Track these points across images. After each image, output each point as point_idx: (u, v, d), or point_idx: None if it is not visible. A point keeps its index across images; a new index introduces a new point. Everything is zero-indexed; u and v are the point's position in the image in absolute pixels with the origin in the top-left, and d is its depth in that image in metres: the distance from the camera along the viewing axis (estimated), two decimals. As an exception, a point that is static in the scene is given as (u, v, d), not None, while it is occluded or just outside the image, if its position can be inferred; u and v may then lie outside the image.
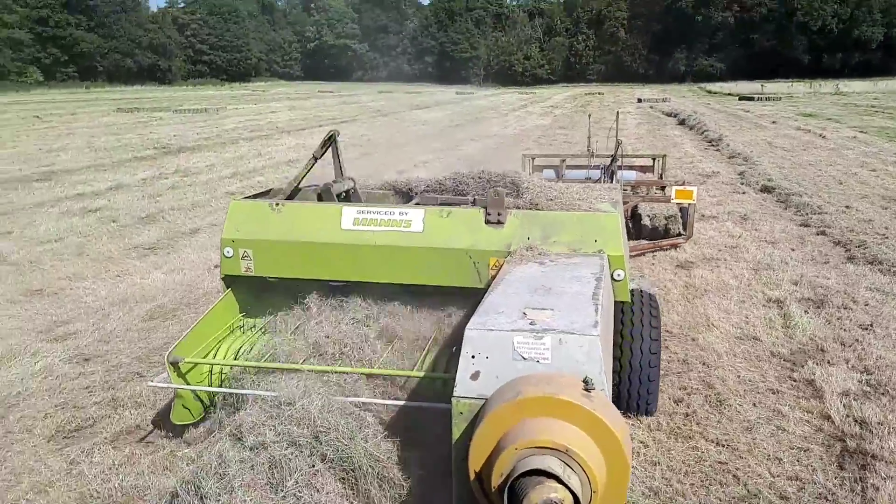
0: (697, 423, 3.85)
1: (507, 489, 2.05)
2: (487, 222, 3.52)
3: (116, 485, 3.23)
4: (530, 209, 3.64)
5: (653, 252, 7.29)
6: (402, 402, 3.19)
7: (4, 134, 21.90)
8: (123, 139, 20.21)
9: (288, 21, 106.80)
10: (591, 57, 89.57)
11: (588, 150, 8.55)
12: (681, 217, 7.44)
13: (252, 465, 2.64)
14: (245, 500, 2.47)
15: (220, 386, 3.63)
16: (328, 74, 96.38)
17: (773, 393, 4.22)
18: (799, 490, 3.25)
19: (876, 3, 75.13)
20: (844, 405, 4.01)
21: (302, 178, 4.41)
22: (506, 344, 2.36)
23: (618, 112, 8.64)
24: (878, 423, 3.77)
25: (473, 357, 2.38)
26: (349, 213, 3.69)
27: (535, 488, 1.99)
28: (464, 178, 4.43)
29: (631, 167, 8.36)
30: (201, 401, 3.64)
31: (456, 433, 2.36)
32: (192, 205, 10.25)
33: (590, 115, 11.36)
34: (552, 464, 2.02)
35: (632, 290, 3.58)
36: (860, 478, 3.32)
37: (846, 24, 76.02)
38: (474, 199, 4.13)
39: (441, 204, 4.14)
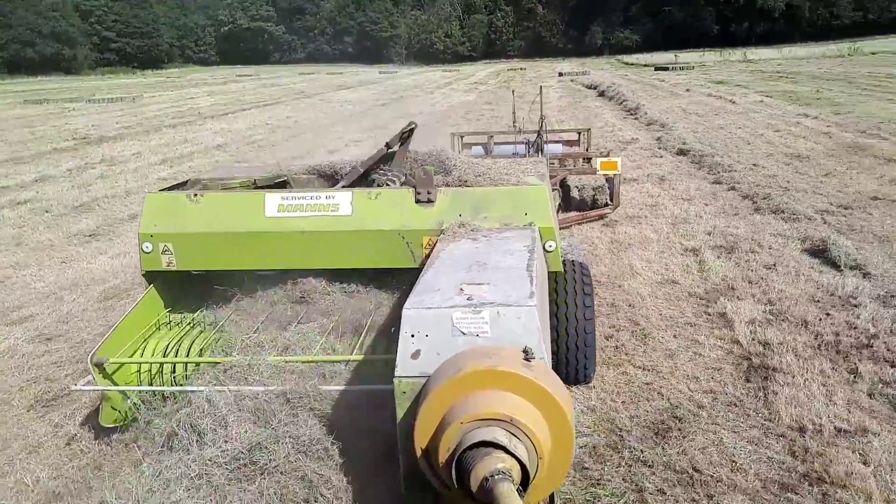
0: (626, 354, 4.35)
1: (454, 463, 2.08)
2: (418, 201, 3.48)
3: (105, 439, 3.47)
4: (459, 186, 3.64)
5: (581, 223, 7.57)
6: (342, 387, 3.14)
7: None
8: (38, 131, 19.56)
9: (199, 5, 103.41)
10: (510, 33, 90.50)
11: (514, 126, 8.85)
12: (607, 187, 7.64)
13: (239, 407, 2.93)
14: (239, 433, 2.77)
15: (150, 385, 3.52)
16: (245, 58, 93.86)
17: (691, 326, 4.77)
18: (713, 400, 3.78)
19: (777, -27, 78.52)
20: (751, 331, 4.58)
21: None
22: (444, 320, 2.37)
23: (541, 87, 9.01)
24: (779, 343, 4.35)
25: (413, 336, 2.38)
26: (273, 199, 3.58)
27: (483, 460, 2.01)
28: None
29: (557, 141, 8.59)
30: (130, 400, 3.46)
31: (400, 413, 2.37)
32: (125, 192, 10.21)
33: (513, 91, 11.78)
34: (498, 434, 2.05)
35: (563, 261, 3.61)
36: (763, 387, 3.87)
37: (750, -5, 79.18)
38: (389, 147, 4.12)
39: (364, 175, 4.14)
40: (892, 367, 4.00)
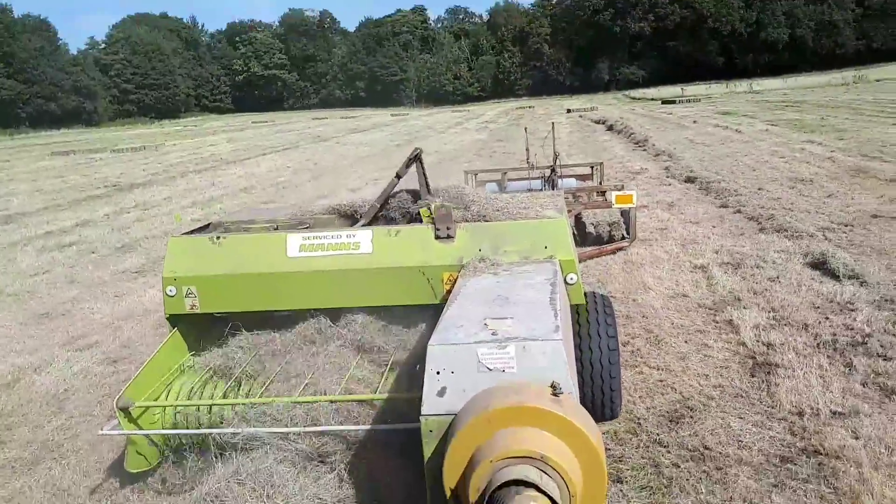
0: (641, 357, 4.79)
1: (485, 503, 2.06)
2: (437, 237, 3.51)
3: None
4: (479, 221, 3.66)
5: (598, 257, 7.50)
6: (367, 427, 3.17)
7: (-58, 184, 21.76)
8: (69, 180, 20.38)
9: (214, 55, 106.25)
10: (518, 73, 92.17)
11: (528, 162, 9.15)
12: (623, 221, 7.60)
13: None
14: (301, 437, 3.08)
15: (175, 428, 3.56)
16: (259, 105, 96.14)
17: (700, 332, 5.21)
18: (721, 392, 4.20)
19: (779, 6, 79.90)
20: (755, 335, 5.00)
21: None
22: (470, 357, 2.35)
23: (553, 123, 9.41)
24: (781, 344, 4.77)
25: (438, 373, 2.36)
26: (294, 240, 3.62)
27: (514, 499, 1.99)
28: (406, 195, 4.39)
29: (571, 175, 8.59)
30: (156, 445, 3.56)
31: (427, 452, 2.34)
32: (163, 233, 10.80)
33: (526, 129, 12.26)
34: (529, 473, 2.02)
35: (585, 293, 3.59)
36: (766, 380, 4.29)
37: (753, 28, 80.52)
38: (399, 176, 4.19)
39: (384, 216, 4.17)
40: (884, 360, 4.41)
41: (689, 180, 12.17)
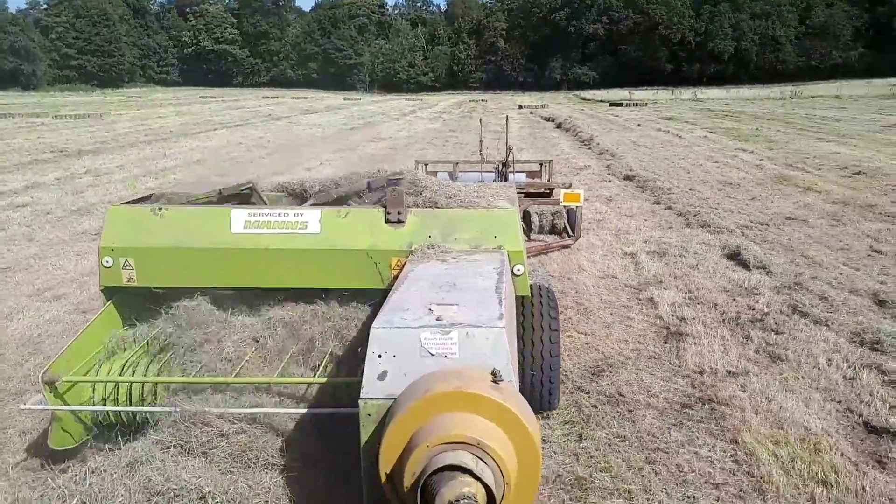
0: (571, 324, 5.41)
1: (419, 487, 2.04)
2: (387, 221, 3.44)
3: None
4: (430, 207, 3.61)
5: (542, 253, 7.54)
6: (305, 410, 3.13)
7: None
8: (12, 144, 20.04)
9: (162, 25, 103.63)
10: (473, 65, 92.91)
11: (481, 154, 9.63)
12: (568, 219, 7.60)
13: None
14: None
15: (104, 405, 3.39)
16: (207, 80, 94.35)
17: (625, 307, 5.87)
18: (637, 354, 4.86)
19: (726, 18, 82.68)
20: (672, 310, 5.69)
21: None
22: (413, 341, 2.34)
23: (507, 117, 9.84)
24: (692, 318, 5.46)
25: (380, 356, 2.34)
26: (240, 215, 3.49)
27: (448, 484, 1.99)
28: (360, 178, 4.34)
29: (521, 171, 8.69)
30: (82, 422, 3.39)
31: (364, 436, 2.32)
32: (118, 199, 10.78)
33: (481, 120, 12.78)
34: (464, 458, 2.02)
35: (531, 285, 3.60)
36: (676, 346, 4.96)
37: (702, 38, 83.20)
38: (368, 183, 4.10)
39: (336, 200, 4.07)
40: (776, 334, 5.13)
41: (628, 178, 12.95)
